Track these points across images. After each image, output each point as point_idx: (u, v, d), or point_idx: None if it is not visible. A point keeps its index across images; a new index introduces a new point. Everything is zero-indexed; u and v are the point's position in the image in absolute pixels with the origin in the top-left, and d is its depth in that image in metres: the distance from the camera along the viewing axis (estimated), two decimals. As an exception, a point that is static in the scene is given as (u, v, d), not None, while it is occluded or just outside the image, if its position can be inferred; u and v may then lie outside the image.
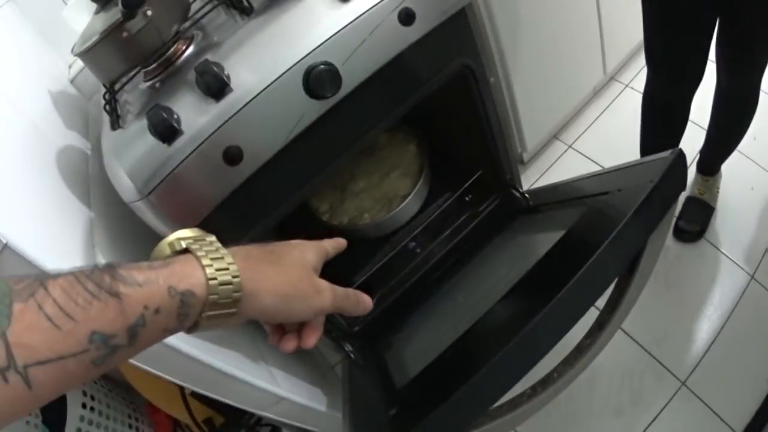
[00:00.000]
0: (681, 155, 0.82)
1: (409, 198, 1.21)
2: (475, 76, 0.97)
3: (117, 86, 0.88)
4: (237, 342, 0.97)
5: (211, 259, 0.42)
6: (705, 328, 1.42)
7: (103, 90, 0.91)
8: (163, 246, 0.44)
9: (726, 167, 1.61)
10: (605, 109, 1.93)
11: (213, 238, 0.45)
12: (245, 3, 0.85)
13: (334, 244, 0.58)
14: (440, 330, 1.01)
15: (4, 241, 0.57)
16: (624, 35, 1.81)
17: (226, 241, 0.46)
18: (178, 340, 0.75)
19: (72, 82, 1.14)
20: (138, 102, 0.83)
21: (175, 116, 0.72)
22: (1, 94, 0.85)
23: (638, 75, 1.95)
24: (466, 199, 1.28)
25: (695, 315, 1.45)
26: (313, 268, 0.51)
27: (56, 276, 0.36)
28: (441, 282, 1.18)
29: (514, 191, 1.24)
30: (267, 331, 0.52)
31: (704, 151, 1.59)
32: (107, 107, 0.86)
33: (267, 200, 0.84)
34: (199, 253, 0.42)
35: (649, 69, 1.33)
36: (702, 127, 1.52)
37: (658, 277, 1.52)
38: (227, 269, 0.42)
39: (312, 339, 0.51)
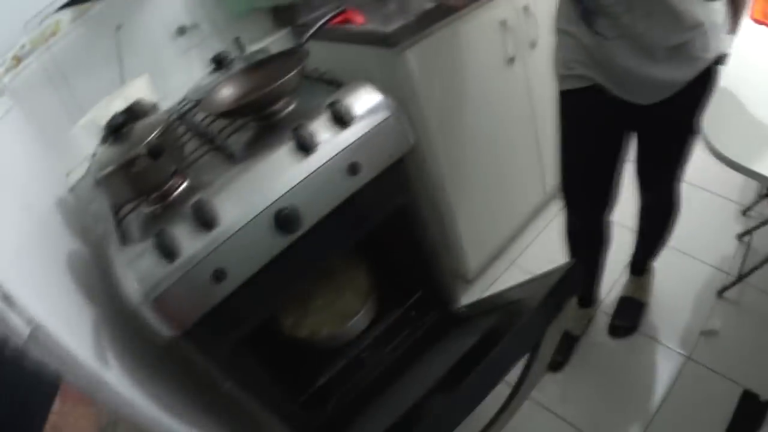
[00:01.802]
0: (574, 267, 1.05)
1: (360, 314, 1.40)
2: (411, 212, 1.24)
3: (124, 210, 1.05)
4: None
5: None
6: (645, 408, 1.47)
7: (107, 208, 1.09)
8: None
9: (661, 262, 1.70)
10: (546, 227, 2.05)
11: None
12: (229, 151, 1.08)
13: None
14: (387, 414, 1.17)
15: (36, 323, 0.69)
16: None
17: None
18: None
19: (71, 190, 1.26)
20: (142, 225, 1.00)
21: (176, 240, 0.91)
22: (13, 191, 0.97)
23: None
24: (411, 314, 1.49)
25: (634, 399, 1.51)
26: None
27: None
28: (388, 382, 1.36)
29: (450, 307, 1.47)
30: None
31: (634, 254, 1.68)
32: (117, 225, 1.03)
33: (243, 313, 1.03)
34: None
35: (565, 203, 1.40)
36: (632, 230, 1.61)
37: (597, 370, 1.60)
38: None
39: None
